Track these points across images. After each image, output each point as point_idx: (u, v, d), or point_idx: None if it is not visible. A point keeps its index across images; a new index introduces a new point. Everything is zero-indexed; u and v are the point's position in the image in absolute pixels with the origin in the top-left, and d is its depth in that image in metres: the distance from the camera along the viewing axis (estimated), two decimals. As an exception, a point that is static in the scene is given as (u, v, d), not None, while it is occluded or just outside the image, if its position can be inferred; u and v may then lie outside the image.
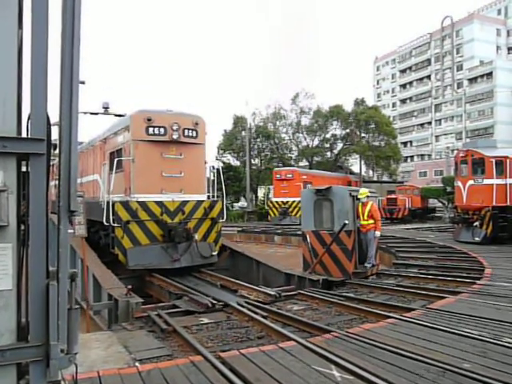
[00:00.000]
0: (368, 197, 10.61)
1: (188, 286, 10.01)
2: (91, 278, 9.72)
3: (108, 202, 10.87)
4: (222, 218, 12.79)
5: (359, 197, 10.52)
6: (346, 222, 9.90)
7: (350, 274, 10.04)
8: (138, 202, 11.09)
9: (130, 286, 8.10)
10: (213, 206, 12.23)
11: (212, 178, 13.09)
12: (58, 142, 2.15)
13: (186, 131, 11.69)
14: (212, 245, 12.13)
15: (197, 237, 11.58)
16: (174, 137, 11.44)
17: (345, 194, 10.45)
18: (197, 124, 11.94)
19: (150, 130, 11.28)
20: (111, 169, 11.60)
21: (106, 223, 10.82)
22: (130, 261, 10.76)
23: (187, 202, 11.70)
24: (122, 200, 11.23)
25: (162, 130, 11.35)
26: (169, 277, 10.84)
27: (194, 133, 11.89)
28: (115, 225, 10.82)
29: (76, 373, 2.36)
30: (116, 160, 11.47)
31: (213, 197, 12.84)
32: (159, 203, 11.29)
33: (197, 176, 12.20)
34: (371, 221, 10.53)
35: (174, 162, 11.61)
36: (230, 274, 11.95)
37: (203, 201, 12.13)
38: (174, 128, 11.41)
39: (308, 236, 10.75)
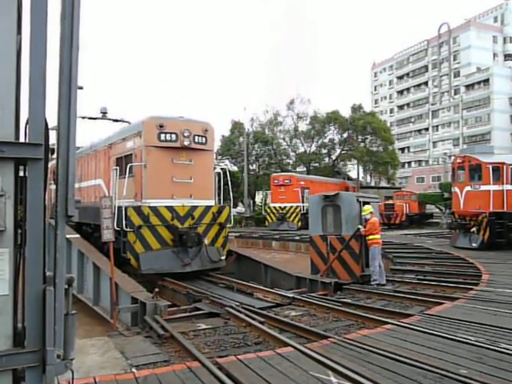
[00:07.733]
0: (371, 213, 10.36)
1: (202, 289, 10.04)
2: (111, 281, 9.54)
3: (120, 207, 10.82)
4: (230, 223, 12.85)
5: (362, 214, 10.40)
6: (360, 226, 10.24)
7: (357, 277, 10.23)
8: (149, 207, 11.12)
9: (157, 289, 8.13)
10: (221, 211, 12.33)
11: (218, 180, 13.09)
12: (55, 147, 2.16)
13: (197, 138, 11.77)
14: (220, 249, 12.24)
15: (206, 241, 11.65)
16: (186, 143, 11.51)
17: (352, 200, 10.78)
18: (206, 131, 12.04)
19: (162, 136, 11.33)
20: (122, 174, 11.57)
21: (117, 228, 10.63)
22: (143, 265, 10.76)
23: (196, 207, 11.77)
24: (134, 205, 11.22)
25: (173, 136, 11.42)
26: (180, 280, 10.86)
27: (204, 139, 11.98)
28: (128, 229, 10.80)
29: (72, 379, 2.35)
30: (129, 165, 11.47)
31: (219, 201, 12.90)
32: (170, 208, 11.32)
33: (206, 182, 12.26)
34: (374, 236, 10.18)
35: (184, 168, 11.66)
36: (235, 277, 11.94)
37: (212, 206, 12.22)
38: (186, 134, 11.49)
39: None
